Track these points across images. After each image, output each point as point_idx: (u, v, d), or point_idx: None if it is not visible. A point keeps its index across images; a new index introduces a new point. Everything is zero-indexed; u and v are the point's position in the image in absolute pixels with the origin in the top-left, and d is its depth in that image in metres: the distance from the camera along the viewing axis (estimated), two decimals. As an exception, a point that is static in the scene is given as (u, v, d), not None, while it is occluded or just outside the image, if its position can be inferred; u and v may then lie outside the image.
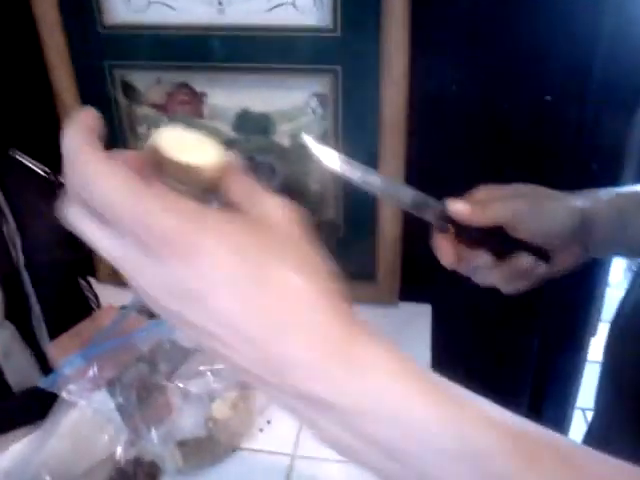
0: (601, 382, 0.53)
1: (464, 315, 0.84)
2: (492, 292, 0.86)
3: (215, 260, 0.23)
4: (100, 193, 0.24)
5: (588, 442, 0.53)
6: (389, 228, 0.78)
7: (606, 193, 0.49)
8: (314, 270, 0.25)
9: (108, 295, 0.79)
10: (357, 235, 0.81)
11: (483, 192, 0.48)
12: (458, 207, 0.45)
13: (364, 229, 0.80)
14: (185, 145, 0.27)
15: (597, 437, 0.54)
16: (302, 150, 0.77)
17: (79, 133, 0.26)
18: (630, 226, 0.47)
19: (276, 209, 0.26)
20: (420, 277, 0.83)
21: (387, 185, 0.45)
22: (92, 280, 0.81)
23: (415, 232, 0.81)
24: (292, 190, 0.77)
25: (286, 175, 0.75)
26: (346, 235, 0.81)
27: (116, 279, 0.86)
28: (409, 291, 0.83)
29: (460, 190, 0.77)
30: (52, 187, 0.70)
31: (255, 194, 0.27)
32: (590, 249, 0.48)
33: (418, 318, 0.81)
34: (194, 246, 0.23)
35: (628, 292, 0.52)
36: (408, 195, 0.46)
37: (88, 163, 0.25)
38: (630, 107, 0.72)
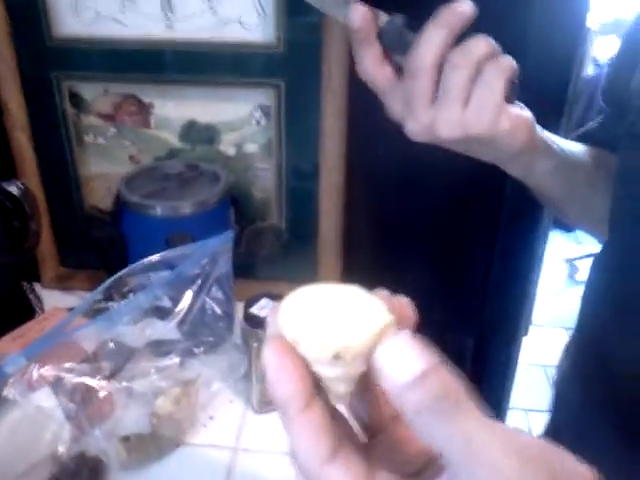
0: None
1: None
2: (430, 294, 0.91)
3: None
4: None
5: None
6: (331, 232, 0.82)
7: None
8: None
9: (52, 300, 0.80)
10: (299, 240, 0.85)
11: None
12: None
13: (307, 234, 0.83)
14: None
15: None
16: (246, 159, 0.81)
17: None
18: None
19: None
20: (361, 279, 0.87)
21: None
22: (37, 285, 0.82)
23: (357, 237, 0.86)
24: (236, 196, 0.80)
25: (230, 183, 0.78)
26: (289, 240, 0.85)
27: (60, 284, 0.87)
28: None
29: (400, 190, 0.82)
30: (-4, 192, 0.71)
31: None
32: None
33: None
34: None
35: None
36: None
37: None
38: (555, 116, 0.78)
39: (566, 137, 0.77)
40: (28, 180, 0.81)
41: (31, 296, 0.74)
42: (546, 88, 0.74)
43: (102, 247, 0.76)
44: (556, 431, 0.56)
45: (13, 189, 0.75)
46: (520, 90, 0.74)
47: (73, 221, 0.86)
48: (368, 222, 0.86)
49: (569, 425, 0.53)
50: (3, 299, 0.71)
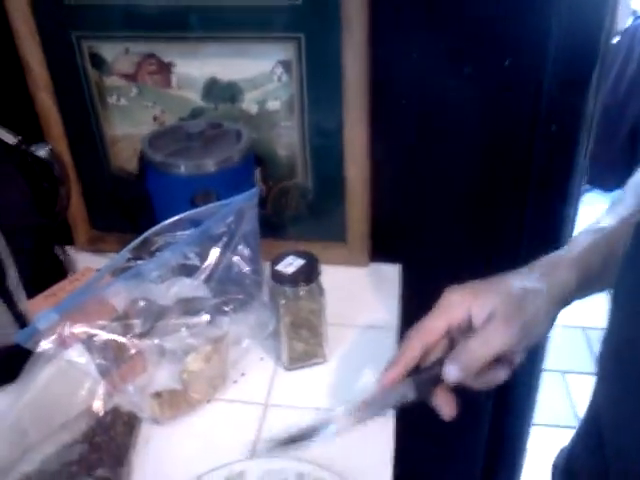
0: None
1: (432, 273, 0.86)
2: (460, 254, 0.89)
3: None
4: None
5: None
6: (358, 190, 0.81)
7: (569, 254, 0.51)
8: None
9: (85, 262, 0.81)
10: (327, 198, 0.83)
11: (458, 311, 0.51)
12: (451, 372, 0.48)
13: (333, 192, 0.82)
14: None
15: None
16: (269, 117, 0.79)
17: None
18: (595, 278, 0.50)
19: None
20: (390, 237, 0.86)
21: (388, 397, 0.51)
22: (70, 248, 0.83)
23: (384, 193, 0.84)
24: (261, 155, 0.79)
25: (253, 140, 0.77)
26: (316, 199, 0.84)
27: (92, 246, 0.88)
28: (379, 252, 0.86)
29: (422, 147, 0.80)
30: (23, 155, 0.71)
31: None
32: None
33: (388, 277, 0.84)
34: None
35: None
36: (411, 389, 0.50)
37: None
38: (587, 70, 0.75)
39: (599, 89, 0.74)
40: (56, 144, 0.81)
41: (64, 259, 0.75)
42: (578, 39, 0.71)
43: (129, 208, 0.76)
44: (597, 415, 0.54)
45: (42, 153, 0.75)
46: (555, 39, 0.71)
47: (101, 184, 0.86)
48: (395, 178, 0.84)
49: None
50: (37, 262, 0.73)
